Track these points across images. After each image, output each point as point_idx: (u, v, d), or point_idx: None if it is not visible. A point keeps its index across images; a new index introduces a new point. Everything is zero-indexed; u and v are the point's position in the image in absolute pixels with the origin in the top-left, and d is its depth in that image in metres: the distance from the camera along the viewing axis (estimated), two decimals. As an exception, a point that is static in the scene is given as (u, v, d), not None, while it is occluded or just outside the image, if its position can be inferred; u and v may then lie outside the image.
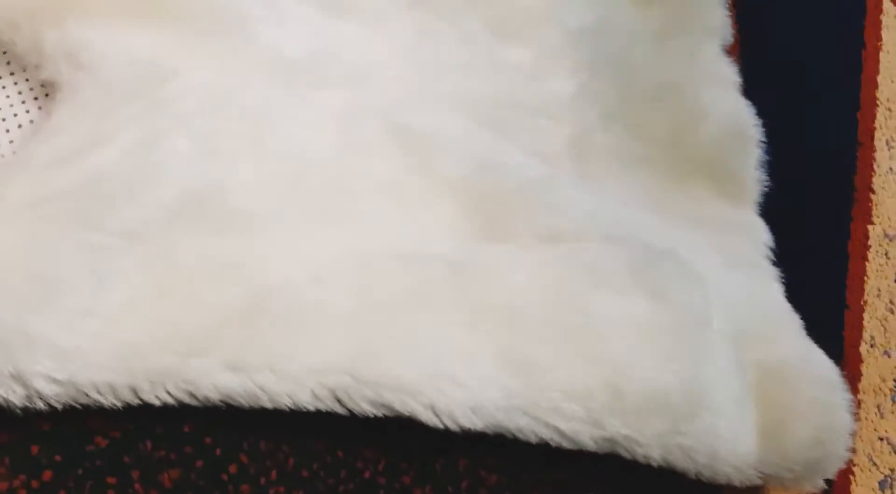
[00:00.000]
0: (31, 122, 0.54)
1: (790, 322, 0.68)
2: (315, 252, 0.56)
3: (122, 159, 0.50)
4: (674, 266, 0.61)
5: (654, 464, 0.56)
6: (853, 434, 0.60)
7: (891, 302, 0.96)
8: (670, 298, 0.59)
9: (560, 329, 0.57)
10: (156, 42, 0.53)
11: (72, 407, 0.50)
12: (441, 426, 0.54)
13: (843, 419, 0.59)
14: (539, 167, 0.66)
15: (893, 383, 0.91)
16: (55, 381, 0.47)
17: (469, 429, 0.54)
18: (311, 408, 0.53)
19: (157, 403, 0.51)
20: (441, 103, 0.65)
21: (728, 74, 0.80)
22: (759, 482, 0.59)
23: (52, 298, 0.48)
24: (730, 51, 0.84)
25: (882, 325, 0.94)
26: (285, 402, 0.53)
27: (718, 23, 0.82)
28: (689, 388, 0.56)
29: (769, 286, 0.70)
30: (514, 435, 0.55)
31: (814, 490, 0.61)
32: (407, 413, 0.53)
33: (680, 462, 0.56)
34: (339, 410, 0.53)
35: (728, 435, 0.57)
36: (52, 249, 0.48)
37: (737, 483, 0.58)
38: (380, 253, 0.57)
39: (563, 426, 0.54)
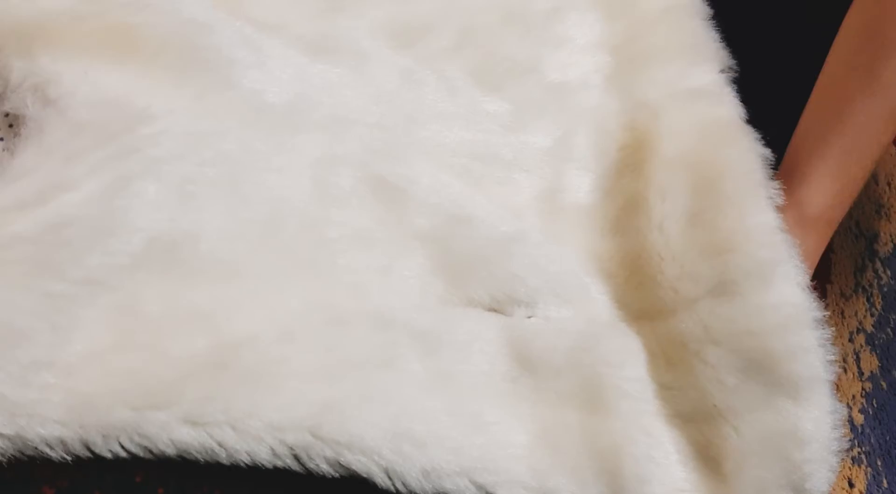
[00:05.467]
0: (-9, 153, 0.51)
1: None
2: (285, 304, 0.55)
3: (88, 205, 0.48)
4: (612, 348, 0.62)
5: None
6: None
7: (843, 361, 0.98)
8: (602, 380, 0.61)
9: (499, 397, 0.59)
10: (130, 80, 0.51)
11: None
12: (392, 489, 0.53)
13: None
14: (508, 221, 0.66)
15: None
16: (1, 435, 0.45)
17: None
18: (269, 465, 0.52)
19: (109, 456, 0.49)
20: (419, 152, 0.64)
21: None
22: None
23: (4, 349, 0.45)
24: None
25: (834, 384, 0.96)
26: (244, 459, 0.51)
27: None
28: (616, 462, 0.58)
29: None
30: None
31: None
32: (364, 474, 0.53)
33: None
34: (297, 468, 0.52)
35: None
36: (8, 297, 0.45)
37: None
38: (350, 309, 0.57)
39: None
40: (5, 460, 0.47)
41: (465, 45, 0.70)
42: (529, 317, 0.66)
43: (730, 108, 0.72)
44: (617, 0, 0.79)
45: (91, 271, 0.48)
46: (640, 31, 0.78)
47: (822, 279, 0.99)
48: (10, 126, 0.51)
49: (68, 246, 0.47)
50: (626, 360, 0.62)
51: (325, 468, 0.52)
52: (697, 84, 0.73)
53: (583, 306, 0.66)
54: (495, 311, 0.65)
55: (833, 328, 0.94)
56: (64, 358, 0.47)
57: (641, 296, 0.72)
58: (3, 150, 0.50)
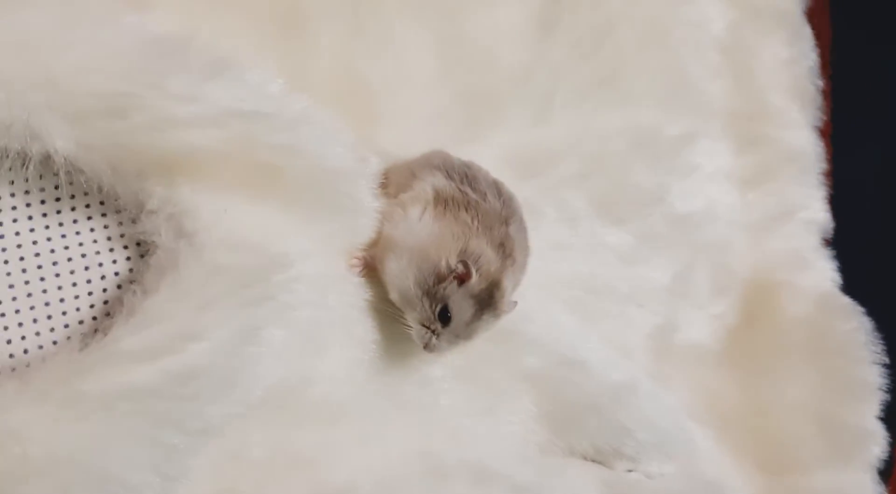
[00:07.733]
0: (116, 274, 0.49)
1: None
2: (385, 450, 0.53)
3: (216, 354, 0.45)
4: None
5: None
6: None
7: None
8: None
9: None
10: (269, 221, 0.49)
11: None
12: None
13: None
14: (621, 367, 0.64)
15: None
16: None
17: None
18: None
19: None
20: (533, 284, 0.61)
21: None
22: None
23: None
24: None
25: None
26: None
27: (819, 216, 0.79)
28: None
29: None
30: None
31: None
32: None
33: None
34: None
35: None
36: (125, 451, 0.43)
37: None
38: (450, 458, 0.55)
39: None
40: None
41: (593, 173, 0.68)
42: (630, 471, 0.64)
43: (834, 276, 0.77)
44: (749, 133, 0.76)
45: (209, 421, 0.46)
46: (770, 171, 0.76)
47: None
48: (138, 244, 0.49)
49: (191, 399, 0.45)
50: None
51: None
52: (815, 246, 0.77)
53: (687, 463, 0.64)
54: (595, 461, 0.63)
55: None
56: (166, 511, 0.45)
57: (755, 448, 0.70)
58: (132, 282, 0.48)
